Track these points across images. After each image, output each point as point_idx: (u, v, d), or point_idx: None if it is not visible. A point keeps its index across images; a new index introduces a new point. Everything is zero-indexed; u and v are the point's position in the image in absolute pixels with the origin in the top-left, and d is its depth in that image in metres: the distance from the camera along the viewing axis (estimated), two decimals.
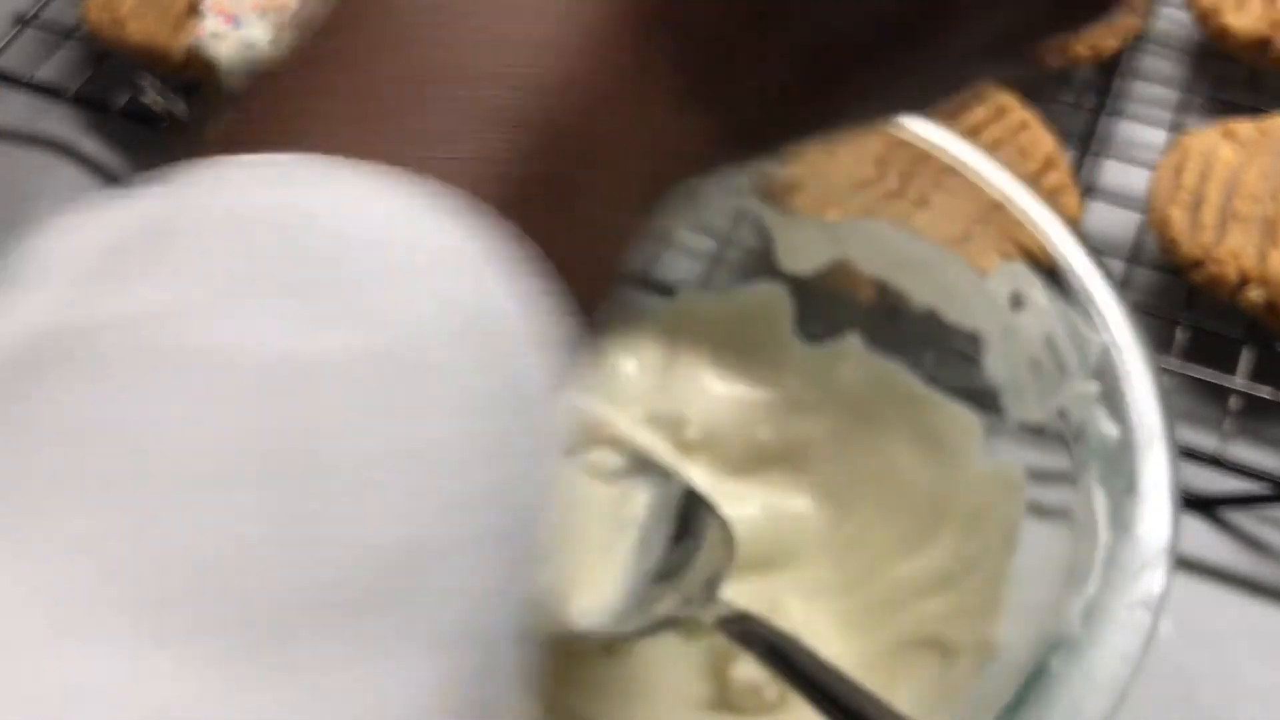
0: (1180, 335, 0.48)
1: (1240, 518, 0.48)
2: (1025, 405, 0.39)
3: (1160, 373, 0.36)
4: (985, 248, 0.39)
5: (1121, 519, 0.33)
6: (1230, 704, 0.44)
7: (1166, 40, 0.60)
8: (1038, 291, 0.37)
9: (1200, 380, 0.48)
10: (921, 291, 0.43)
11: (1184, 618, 0.46)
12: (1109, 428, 0.35)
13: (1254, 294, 0.47)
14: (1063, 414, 0.37)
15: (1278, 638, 0.45)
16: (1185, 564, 0.47)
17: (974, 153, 0.40)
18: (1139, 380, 0.35)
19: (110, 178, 0.59)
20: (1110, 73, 0.58)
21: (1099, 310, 0.37)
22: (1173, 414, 0.35)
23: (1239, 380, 0.47)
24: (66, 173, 0.59)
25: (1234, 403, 0.47)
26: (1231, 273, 0.47)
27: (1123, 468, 0.34)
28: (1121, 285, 0.50)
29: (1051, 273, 0.37)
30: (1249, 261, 0.47)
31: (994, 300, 0.39)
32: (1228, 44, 0.56)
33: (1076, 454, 0.36)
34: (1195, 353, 0.48)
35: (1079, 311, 0.37)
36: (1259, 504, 0.47)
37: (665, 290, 0.48)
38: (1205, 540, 0.47)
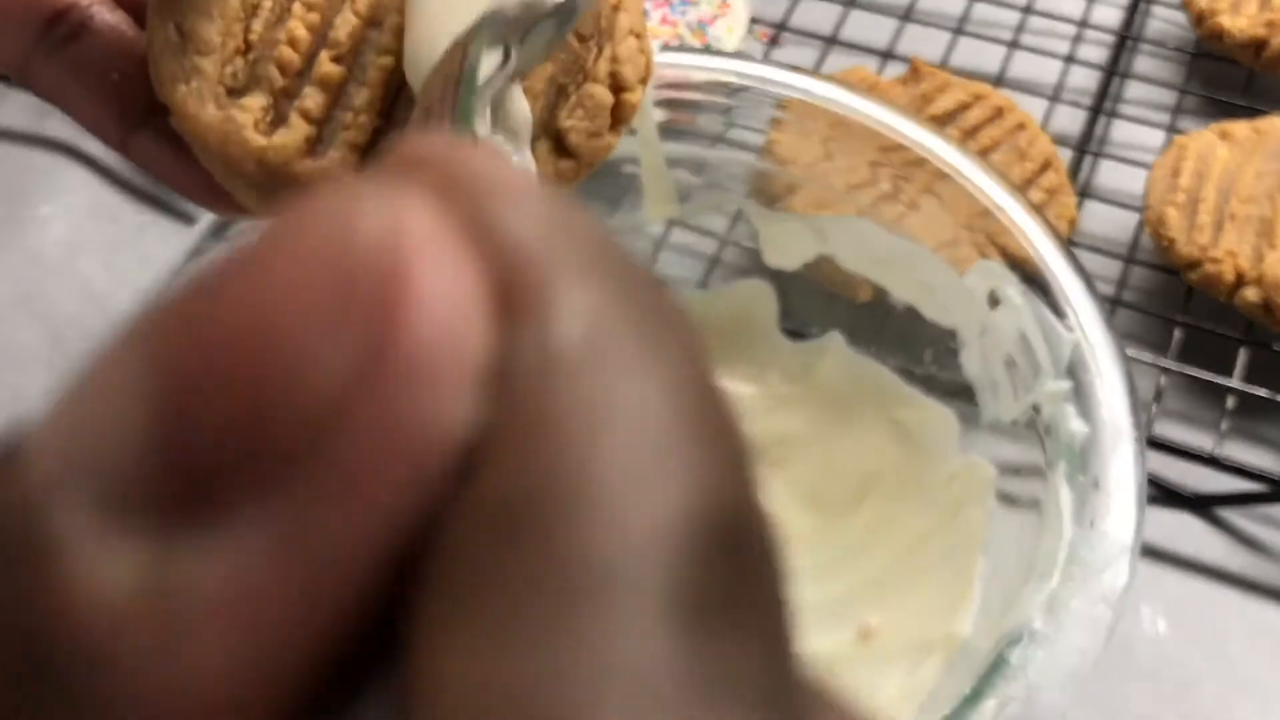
0: (1177, 335, 0.48)
1: (1237, 517, 0.48)
2: (999, 402, 0.40)
3: (1131, 370, 0.36)
4: (971, 254, 0.39)
5: (1086, 515, 0.34)
6: (1227, 703, 0.44)
7: (1163, 41, 0.60)
8: (1013, 289, 0.38)
9: (1197, 380, 0.48)
10: (901, 288, 0.43)
11: (1181, 617, 0.46)
12: (1078, 425, 0.35)
13: (1250, 294, 0.47)
14: (1035, 410, 0.37)
15: (1275, 636, 0.45)
16: (1182, 563, 0.47)
17: (966, 158, 0.40)
18: (1109, 379, 0.36)
19: (113, 179, 0.59)
20: (1107, 74, 0.58)
21: (1072, 308, 0.37)
22: (1144, 412, 0.36)
23: (1236, 380, 0.47)
24: (70, 174, 0.59)
25: (1231, 402, 0.47)
26: (1228, 273, 0.47)
27: (1089, 464, 0.35)
28: (1118, 286, 0.51)
29: (1027, 271, 0.38)
30: (1245, 262, 0.47)
31: (971, 298, 0.39)
32: (1224, 45, 0.56)
33: (1046, 450, 0.36)
34: (1192, 353, 0.48)
35: (1053, 309, 0.37)
36: (1256, 503, 0.47)
37: None
38: (1202, 539, 0.47)
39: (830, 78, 0.42)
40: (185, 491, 0.09)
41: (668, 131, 0.43)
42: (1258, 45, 0.55)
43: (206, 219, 0.58)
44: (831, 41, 0.59)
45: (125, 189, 0.59)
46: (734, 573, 0.09)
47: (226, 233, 0.40)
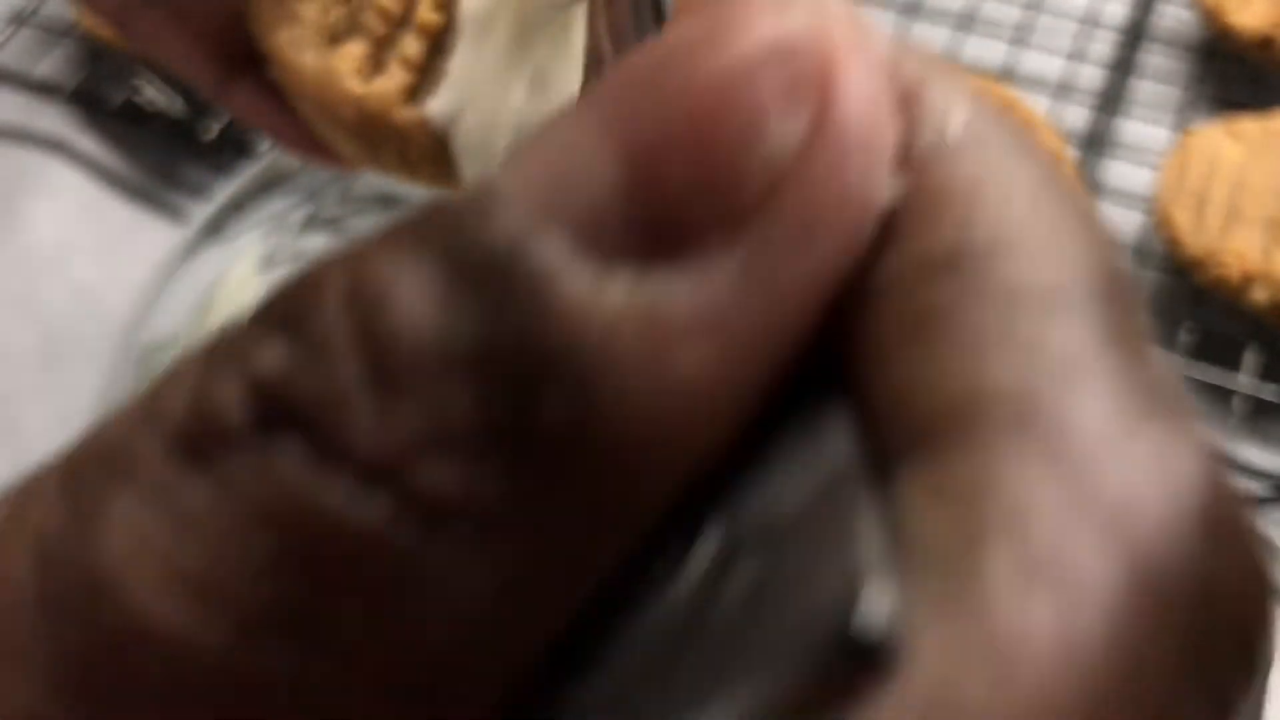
0: (1185, 336, 0.48)
1: None
2: None
3: None
4: None
5: None
6: None
7: (1171, 39, 0.59)
8: None
9: (1205, 381, 0.47)
10: None
11: None
12: None
13: (1259, 294, 0.46)
14: None
15: None
16: None
17: None
18: None
19: (105, 176, 0.58)
20: (1115, 71, 0.57)
21: None
22: None
23: (1244, 380, 0.47)
24: (61, 171, 0.59)
25: (1239, 403, 0.46)
26: (1236, 272, 0.47)
27: None
28: None
29: None
30: (1254, 261, 0.47)
31: None
32: (1232, 42, 0.55)
33: None
34: (1200, 353, 0.47)
35: None
36: (1266, 506, 0.47)
37: None
38: None
39: None
40: (656, 233, 0.10)
41: None
42: (1266, 42, 0.54)
43: (199, 217, 0.57)
44: None
45: (116, 187, 0.58)
46: (1131, 313, 0.11)
47: (220, 231, 0.40)
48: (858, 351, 0.11)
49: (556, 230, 0.10)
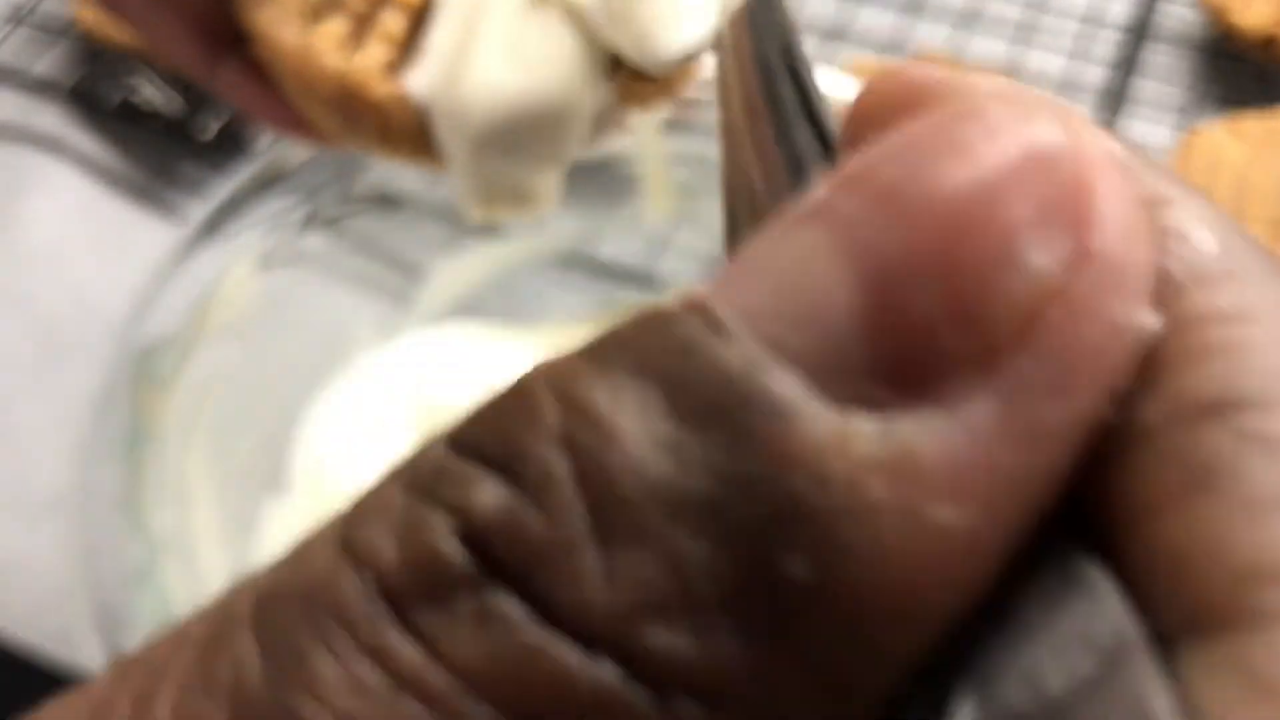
0: None
1: None
2: None
3: None
4: None
5: None
6: None
7: (1174, 38, 0.59)
8: None
9: None
10: None
11: None
12: None
13: None
14: None
15: None
16: None
17: None
18: None
19: (103, 175, 0.58)
20: (1117, 70, 0.57)
21: None
22: None
23: None
24: (58, 170, 0.58)
25: None
26: None
27: None
28: None
29: None
30: None
31: None
32: (1236, 42, 0.55)
33: None
34: None
35: None
36: None
37: (657, 288, 0.48)
38: None
39: (833, 70, 0.41)
40: (902, 367, 0.09)
41: (669, 128, 0.42)
42: (1269, 41, 0.54)
43: (196, 216, 0.57)
44: (834, 34, 0.58)
45: (114, 186, 0.58)
46: None
47: (218, 230, 0.40)
48: (1120, 505, 0.10)
49: (792, 363, 0.09)
